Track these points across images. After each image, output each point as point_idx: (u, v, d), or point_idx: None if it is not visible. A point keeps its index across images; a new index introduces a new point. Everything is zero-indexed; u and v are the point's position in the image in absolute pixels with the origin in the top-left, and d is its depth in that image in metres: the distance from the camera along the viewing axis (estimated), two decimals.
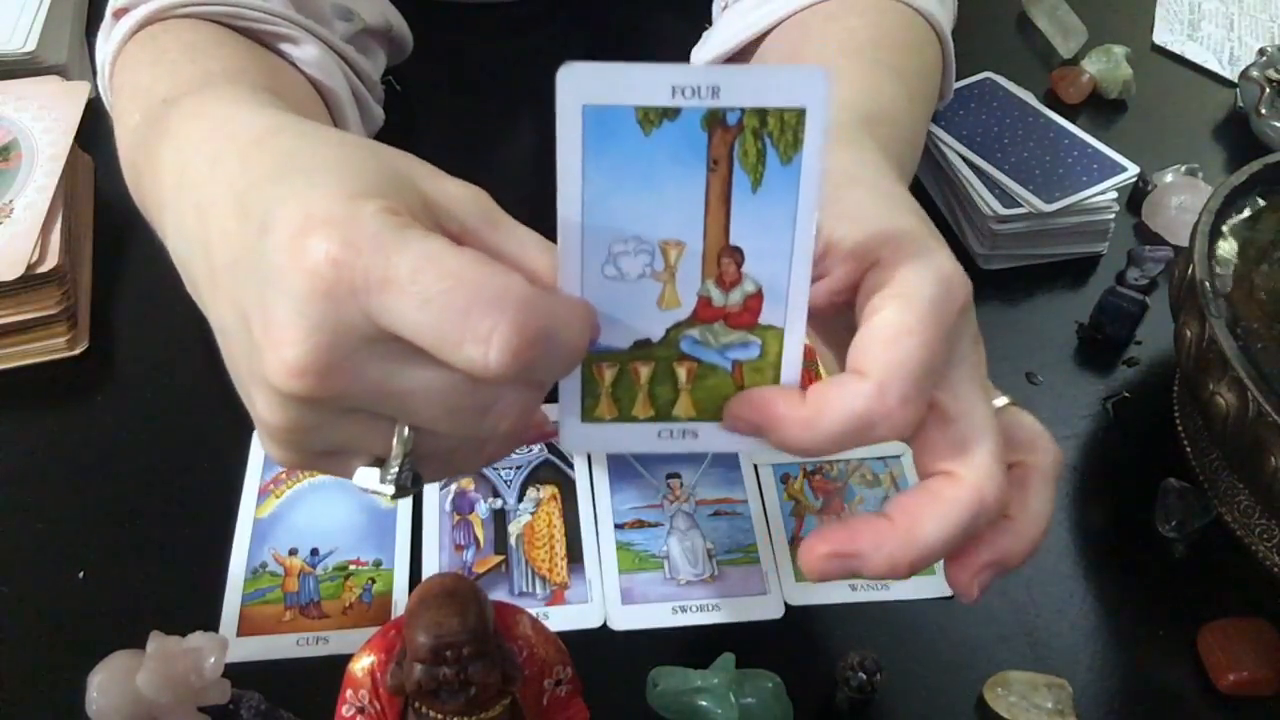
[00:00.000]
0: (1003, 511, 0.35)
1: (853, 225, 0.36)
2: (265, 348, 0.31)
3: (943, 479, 0.35)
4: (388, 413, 0.33)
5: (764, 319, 0.35)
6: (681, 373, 0.35)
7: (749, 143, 0.32)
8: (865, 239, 0.35)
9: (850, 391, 0.33)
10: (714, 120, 0.31)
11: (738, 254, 0.33)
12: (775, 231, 0.33)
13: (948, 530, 0.34)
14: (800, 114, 0.31)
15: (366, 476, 0.34)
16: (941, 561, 0.57)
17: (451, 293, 0.29)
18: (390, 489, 0.33)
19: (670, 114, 0.31)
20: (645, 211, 0.33)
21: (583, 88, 0.31)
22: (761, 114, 0.31)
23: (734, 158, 0.32)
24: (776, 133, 0.32)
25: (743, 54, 0.58)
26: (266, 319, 0.31)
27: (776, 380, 0.35)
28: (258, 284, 0.31)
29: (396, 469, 0.33)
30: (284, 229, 0.30)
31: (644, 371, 0.35)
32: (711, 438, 0.36)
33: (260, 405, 0.33)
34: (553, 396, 0.35)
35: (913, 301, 0.34)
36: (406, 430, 0.33)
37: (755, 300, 0.34)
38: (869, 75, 0.50)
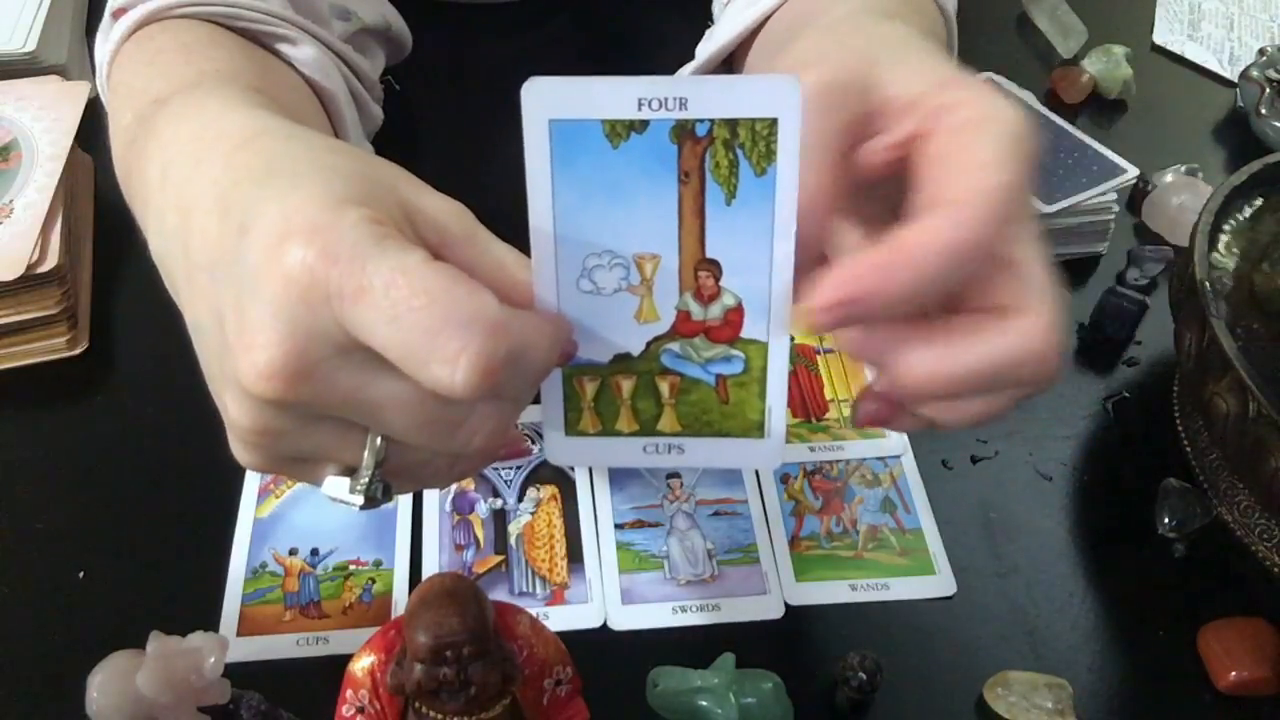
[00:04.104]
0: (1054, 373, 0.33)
1: (914, 75, 0.34)
2: (238, 349, 0.31)
3: (1001, 314, 0.33)
4: (359, 422, 0.32)
5: (746, 333, 0.34)
6: (664, 387, 0.35)
7: (720, 154, 0.31)
8: (931, 86, 0.34)
9: (946, 220, 0.31)
10: (683, 132, 0.31)
11: (715, 267, 0.33)
12: (753, 244, 0.33)
13: (995, 356, 0.32)
14: (772, 124, 0.31)
15: (336, 485, 0.34)
16: (946, 561, 0.56)
17: (422, 311, 0.29)
18: (359, 499, 0.33)
19: (638, 126, 0.31)
20: (618, 225, 0.32)
21: (548, 102, 0.31)
22: (732, 124, 0.31)
23: (706, 169, 0.32)
24: (748, 144, 0.31)
25: (748, 44, 0.58)
26: (240, 321, 0.31)
27: (762, 395, 0.35)
28: (234, 286, 0.31)
29: (366, 479, 0.33)
30: (263, 232, 0.30)
31: (625, 385, 0.35)
32: (697, 453, 0.36)
33: (231, 407, 0.33)
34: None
35: (997, 136, 0.32)
36: (379, 440, 0.32)
37: (736, 314, 0.34)
38: (883, 9, 0.50)
